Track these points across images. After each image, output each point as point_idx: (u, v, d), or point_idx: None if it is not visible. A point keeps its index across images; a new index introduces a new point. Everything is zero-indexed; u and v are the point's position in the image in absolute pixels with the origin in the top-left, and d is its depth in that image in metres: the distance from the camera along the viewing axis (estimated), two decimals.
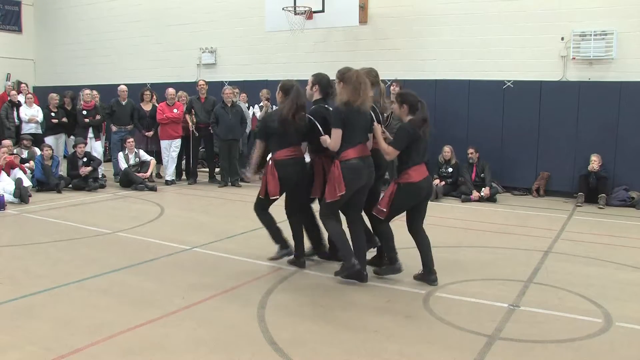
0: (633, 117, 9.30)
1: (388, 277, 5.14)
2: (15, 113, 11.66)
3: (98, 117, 11.01)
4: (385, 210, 4.94)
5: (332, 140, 4.89)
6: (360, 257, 5.05)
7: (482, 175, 9.68)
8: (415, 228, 5.10)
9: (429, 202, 9.28)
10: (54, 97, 11.21)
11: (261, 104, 10.97)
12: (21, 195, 8.49)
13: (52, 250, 6.00)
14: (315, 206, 5.50)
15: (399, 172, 4.97)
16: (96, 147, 10.99)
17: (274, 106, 5.48)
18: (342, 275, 5.04)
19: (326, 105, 5.24)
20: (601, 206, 8.99)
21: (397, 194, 4.91)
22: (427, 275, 5.01)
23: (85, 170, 9.89)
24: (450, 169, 10.00)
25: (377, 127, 5.07)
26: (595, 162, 9.28)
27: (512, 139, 10.27)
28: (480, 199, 9.39)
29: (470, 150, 9.85)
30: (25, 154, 10.14)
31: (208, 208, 8.67)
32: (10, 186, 8.52)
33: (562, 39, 9.78)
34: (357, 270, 4.94)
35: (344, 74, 4.95)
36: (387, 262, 5.18)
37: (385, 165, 5.38)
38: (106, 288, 4.81)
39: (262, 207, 5.41)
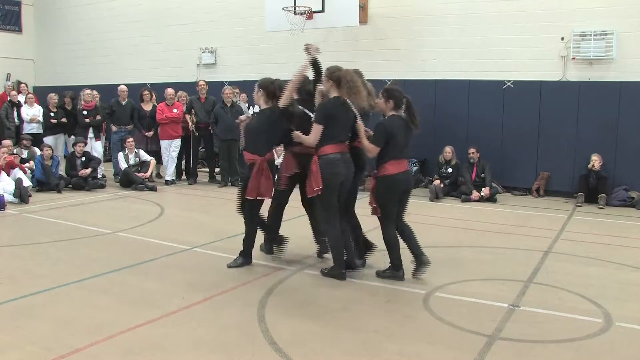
0: (633, 117, 9.30)
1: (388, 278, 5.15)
2: (15, 113, 11.66)
3: (98, 117, 11.01)
4: (374, 206, 5.06)
5: (312, 135, 4.94)
6: (344, 250, 5.23)
7: (482, 175, 9.67)
8: (396, 220, 5.21)
9: (431, 202, 9.41)
10: (52, 97, 11.21)
11: None
12: (21, 195, 8.49)
13: (52, 250, 6.00)
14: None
15: (377, 167, 5.09)
16: (96, 147, 10.99)
17: None
18: (328, 275, 5.16)
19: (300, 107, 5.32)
20: (601, 206, 8.99)
21: (376, 188, 5.05)
22: (419, 261, 5.11)
23: (84, 172, 9.89)
24: (450, 169, 9.99)
25: (361, 126, 5.13)
26: (596, 161, 9.28)
27: (512, 139, 10.27)
28: (480, 199, 9.39)
29: (472, 150, 9.84)
30: (25, 154, 10.14)
31: (208, 208, 8.67)
32: (10, 186, 8.52)
33: (562, 39, 9.78)
34: (343, 276, 5.09)
35: (334, 73, 5.05)
36: (391, 267, 5.18)
37: (364, 165, 5.48)
38: (106, 288, 4.81)
39: (253, 210, 5.38)
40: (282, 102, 5.07)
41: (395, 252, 5.12)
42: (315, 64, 5.33)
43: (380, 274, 5.19)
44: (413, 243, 5.15)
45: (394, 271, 5.13)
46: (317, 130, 4.93)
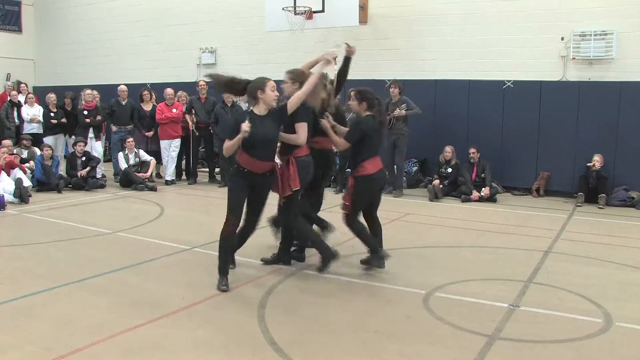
0: (633, 117, 9.29)
1: (386, 275, 5.15)
2: (15, 113, 11.66)
3: (99, 117, 11.01)
4: (348, 203, 5.20)
5: (301, 133, 4.97)
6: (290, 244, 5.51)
7: (482, 175, 9.67)
8: (371, 216, 5.43)
9: (430, 202, 9.42)
10: (51, 97, 11.19)
11: None
12: (21, 195, 8.49)
13: (52, 250, 6.00)
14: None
15: (354, 167, 5.22)
16: (96, 147, 10.99)
17: None
18: (324, 268, 5.21)
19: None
20: (601, 206, 8.99)
21: (355, 187, 5.18)
22: (373, 259, 5.31)
23: (83, 172, 9.89)
24: (449, 169, 9.99)
25: (325, 123, 5.23)
26: (597, 161, 9.27)
27: (512, 139, 10.27)
28: (480, 199, 9.38)
29: (472, 150, 9.84)
30: (25, 154, 10.15)
31: (208, 208, 8.66)
32: (10, 186, 8.52)
33: (562, 39, 9.78)
34: (334, 253, 5.18)
35: (300, 74, 5.17)
36: (371, 254, 5.30)
37: (331, 164, 5.66)
38: (106, 288, 4.81)
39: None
40: (292, 105, 4.88)
41: (366, 237, 5.25)
42: (347, 63, 5.51)
43: (365, 261, 5.29)
44: (377, 240, 5.38)
45: (375, 254, 5.24)
46: (304, 128, 4.98)
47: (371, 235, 5.31)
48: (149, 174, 10.49)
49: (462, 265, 5.65)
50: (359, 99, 5.25)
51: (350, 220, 5.27)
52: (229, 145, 4.72)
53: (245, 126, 4.56)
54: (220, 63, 13.40)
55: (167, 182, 10.81)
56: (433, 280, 5.08)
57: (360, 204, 5.25)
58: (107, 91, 12.42)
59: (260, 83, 4.81)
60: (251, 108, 4.93)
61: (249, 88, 4.86)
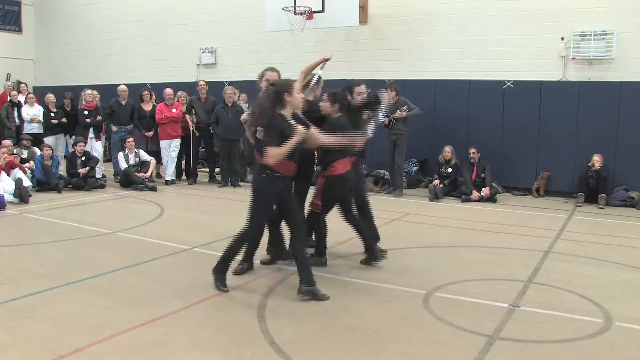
0: (633, 117, 9.29)
1: (386, 275, 5.16)
2: (15, 113, 11.66)
3: (99, 117, 11.00)
4: (319, 203, 5.27)
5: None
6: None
7: (482, 175, 9.67)
8: (350, 217, 5.51)
9: (431, 202, 9.43)
10: (50, 97, 11.18)
11: None
12: (21, 195, 8.49)
13: (52, 250, 6.00)
14: None
15: (325, 167, 5.28)
16: (96, 147, 10.99)
17: None
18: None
19: None
20: (601, 206, 8.99)
21: (325, 187, 5.24)
22: (372, 255, 5.48)
23: (83, 171, 9.90)
24: (449, 169, 9.99)
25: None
26: (597, 161, 9.27)
27: (512, 138, 10.27)
28: (480, 199, 9.38)
29: (472, 150, 9.84)
30: (25, 154, 10.15)
31: (208, 208, 8.67)
32: (10, 186, 8.53)
33: (562, 39, 9.78)
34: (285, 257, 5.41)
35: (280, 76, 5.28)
36: (315, 254, 5.43)
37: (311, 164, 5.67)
38: (106, 288, 4.81)
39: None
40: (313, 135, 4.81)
41: (322, 239, 5.40)
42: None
43: (363, 261, 5.48)
44: (367, 239, 5.49)
45: (317, 257, 5.39)
46: None
47: (324, 242, 5.45)
48: (149, 174, 10.49)
49: (462, 265, 5.65)
50: (332, 100, 5.32)
51: (319, 219, 5.35)
52: (282, 151, 4.42)
53: (303, 128, 4.48)
54: (220, 63, 13.42)
55: (167, 182, 10.81)
56: (433, 280, 5.08)
57: (330, 203, 5.31)
58: (107, 91, 12.42)
59: (287, 85, 4.62)
60: (279, 111, 4.61)
61: (275, 90, 4.63)
